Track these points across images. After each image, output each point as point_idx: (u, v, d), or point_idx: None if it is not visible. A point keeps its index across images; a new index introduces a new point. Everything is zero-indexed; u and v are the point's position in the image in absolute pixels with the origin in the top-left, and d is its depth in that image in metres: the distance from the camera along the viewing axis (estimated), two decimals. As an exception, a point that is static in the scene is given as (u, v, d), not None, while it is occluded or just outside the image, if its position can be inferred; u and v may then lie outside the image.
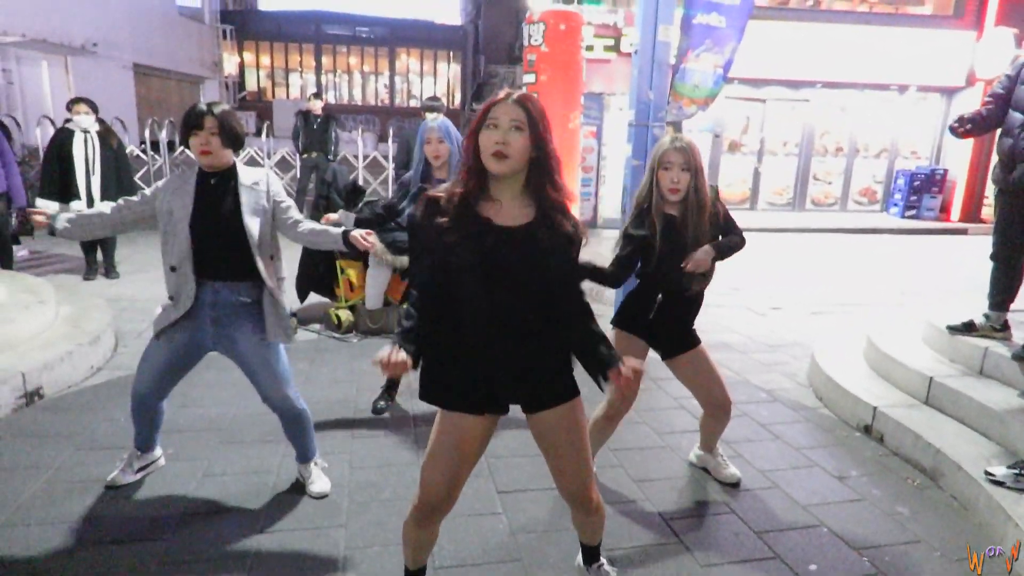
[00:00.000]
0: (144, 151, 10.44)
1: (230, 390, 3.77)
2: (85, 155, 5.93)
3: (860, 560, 2.49)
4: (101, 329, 4.30)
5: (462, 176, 1.78)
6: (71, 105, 6.00)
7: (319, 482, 2.83)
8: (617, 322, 2.82)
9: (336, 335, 4.91)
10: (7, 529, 2.49)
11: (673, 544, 2.56)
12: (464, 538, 2.55)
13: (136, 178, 7.84)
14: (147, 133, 10.53)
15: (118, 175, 6.14)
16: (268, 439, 3.24)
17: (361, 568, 2.36)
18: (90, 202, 5.99)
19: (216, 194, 2.48)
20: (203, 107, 2.44)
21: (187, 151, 11.14)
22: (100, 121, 6.09)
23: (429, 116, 3.72)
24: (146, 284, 6.18)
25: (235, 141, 2.49)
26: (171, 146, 10.74)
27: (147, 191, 2.59)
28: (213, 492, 2.80)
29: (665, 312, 2.71)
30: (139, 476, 2.86)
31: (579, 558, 2.32)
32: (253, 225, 2.49)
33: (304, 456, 2.84)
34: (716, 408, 2.87)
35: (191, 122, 2.42)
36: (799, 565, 2.45)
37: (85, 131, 5.92)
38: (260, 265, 2.51)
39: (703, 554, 2.49)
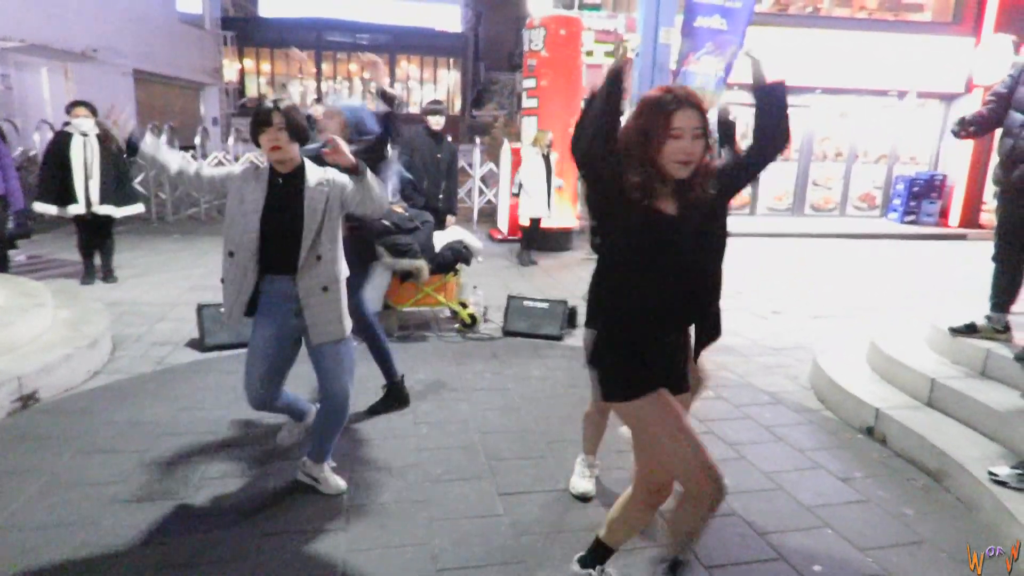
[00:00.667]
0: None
1: (230, 394, 3.75)
2: (84, 158, 5.92)
3: (865, 561, 2.47)
4: (99, 333, 4.29)
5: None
6: (70, 108, 6.00)
7: (332, 479, 2.84)
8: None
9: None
10: (3, 532, 2.47)
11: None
12: (467, 540, 2.53)
13: (136, 183, 7.84)
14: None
15: (118, 178, 6.14)
16: (265, 443, 3.22)
17: (365, 570, 2.34)
18: (88, 205, 5.98)
19: (285, 193, 2.57)
20: (270, 104, 2.52)
21: (186, 156, 11.12)
22: (100, 124, 6.09)
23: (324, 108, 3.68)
24: (146, 289, 6.17)
25: (301, 135, 2.57)
26: (171, 151, 10.71)
27: (223, 170, 2.68)
28: (212, 494, 2.78)
29: None
30: (299, 437, 3.19)
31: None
32: (311, 226, 2.55)
33: (320, 456, 2.83)
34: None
35: (260, 119, 2.50)
36: (804, 566, 2.43)
37: (84, 134, 5.92)
38: (302, 262, 2.56)
39: (707, 556, 2.47)
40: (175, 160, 2.71)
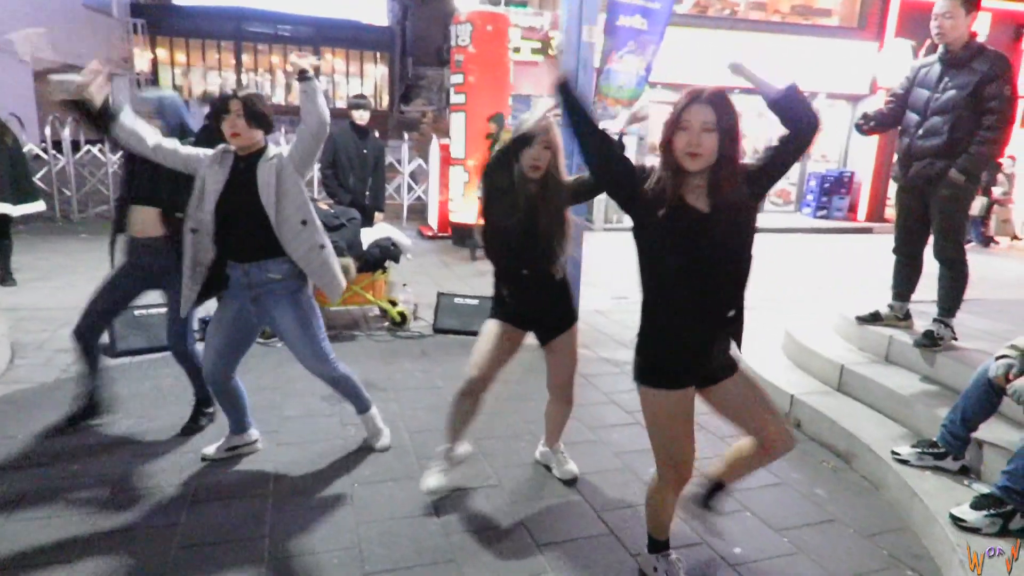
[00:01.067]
0: (45, 150, 9.77)
1: (142, 401, 3.56)
2: None
3: (781, 541, 2.59)
4: (41, 339, 3.98)
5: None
6: None
7: (384, 437, 3.23)
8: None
9: (260, 340, 4.71)
10: None
11: (605, 536, 2.58)
12: (396, 542, 2.49)
13: (36, 178, 7.33)
14: (48, 131, 9.84)
15: (13, 174, 5.72)
16: (180, 452, 3.08)
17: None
18: None
19: (243, 177, 2.64)
20: (228, 91, 2.63)
21: (92, 150, 10.51)
22: None
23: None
24: (49, 292, 5.78)
25: (262, 121, 2.65)
26: (75, 146, 10.08)
27: (193, 151, 2.71)
28: (123, 508, 2.63)
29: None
30: (228, 455, 3.03)
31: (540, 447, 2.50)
32: (269, 201, 2.61)
33: (362, 408, 3.19)
34: (561, 396, 2.92)
35: (218, 107, 2.59)
36: (725, 549, 2.52)
37: None
38: (285, 240, 2.66)
39: (635, 544, 2.53)
40: (152, 134, 2.71)
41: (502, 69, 8.92)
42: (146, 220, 3.02)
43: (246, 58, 25.51)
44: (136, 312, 4.39)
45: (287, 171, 2.67)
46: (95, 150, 10.62)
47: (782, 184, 13.68)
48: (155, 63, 23.84)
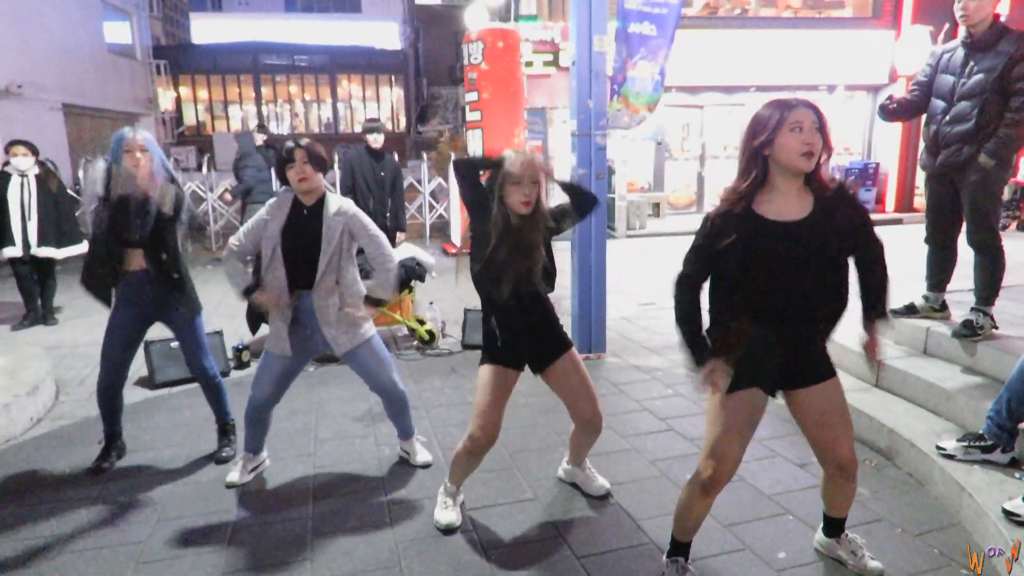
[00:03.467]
0: (78, 192, 10.08)
1: (181, 431, 3.64)
2: (21, 199, 5.69)
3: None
4: (40, 378, 4.10)
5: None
6: (9, 147, 5.76)
7: (422, 453, 3.28)
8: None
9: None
10: (-56, 597, 2.33)
11: (646, 546, 2.56)
12: (435, 559, 2.50)
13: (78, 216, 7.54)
14: (80, 173, 10.17)
15: (57, 220, 5.90)
16: (219, 480, 3.13)
17: (330, 601, 2.29)
18: (26, 247, 5.75)
19: (307, 220, 2.87)
20: (291, 143, 2.83)
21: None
22: (40, 164, 5.86)
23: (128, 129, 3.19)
24: (87, 328, 5.93)
25: (323, 165, 2.88)
26: (107, 185, 10.37)
27: (253, 218, 2.93)
28: (168, 536, 2.68)
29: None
30: (251, 476, 3.12)
31: (819, 534, 2.45)
32: (328, 250, 2.85)
33: (405, 434, 3.29)
34: (585, 424, 2.76)
35: (285, 159, 2.81)
36: (768, 554, 2.48)
37: (23, 174, 5.69)
38: (321, 282, 2.87)
39: (675, 552, 2.49)
40: (247, 272, 2.99)
41: (516, 84, 8.98)
42: (131, 257, 3.05)
43: (265, 90, 26.09)
44: (172, 344, 4.48)
45: (346, 237, 2.92)
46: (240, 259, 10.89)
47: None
48: (178, 101, 24.50)
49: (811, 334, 2.06)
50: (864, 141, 13.47)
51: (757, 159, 1.97)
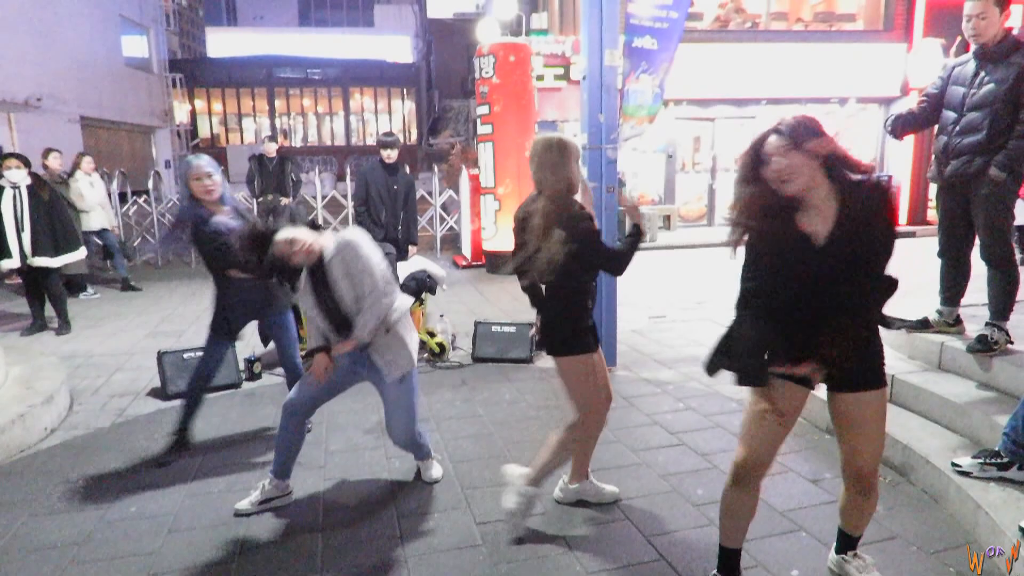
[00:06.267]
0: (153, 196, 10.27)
1: (193, 443, 3.66)
2: (14, 211, 5.82)
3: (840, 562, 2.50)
4: (54, 388, 4.14)
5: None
6: (1, 162, 5.87)
7: (435, 469, 3.27)
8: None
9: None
10: (-42, 606, 2.35)
11: (656, 562, 2.54)
12: (444, 573, 2.49)
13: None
14: (150, 184, 10.33)
15: (52, 228, 5.99)
16: (231, 493, 3.14)
17: (339, 614, 2.28)
18: (23, 258, 5.86)
19: (320, 276, 2.86)
20: (274, 238, 2.75)
21: (138, 201, 10.96)
22: (33, 175, 5.98)
23: (192, 156, 3.67)
24: (102, 339, 6.00)
25: (314, 228, 2.86)
26: (123, 197, 10.52)
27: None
28: (180, 548, 2.69)
29: None
30: (259, 510, 2.96)
31: (831, 551, 2.41)
32: (344, 295, 2.82)
33: (420, 455, 3.27)
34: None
35: (277, 262, 2.78)
36: (782, 571, 2.45)
37: (15, 186, 5.81)
38: (353, 321, 2.86)
39: (686, 569, 2.47)
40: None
41: (527, 97, 9.04)
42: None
43: (278, 103, 26.37)
44: (185, 355, 4.52)
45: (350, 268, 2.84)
46: (141, 201, 11.07)
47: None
48: (193, 114, 24.81)
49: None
50: (876, 153, 13.41)
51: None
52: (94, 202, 7.80)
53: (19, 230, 5.83)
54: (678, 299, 7.23)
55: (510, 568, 2.51)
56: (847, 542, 2.35)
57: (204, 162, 3.41)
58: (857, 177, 2.01)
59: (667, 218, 12.57)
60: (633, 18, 4.77)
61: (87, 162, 7.86)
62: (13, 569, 2.56)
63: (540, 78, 11.49)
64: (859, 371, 2.07)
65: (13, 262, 5.85)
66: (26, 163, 5.89)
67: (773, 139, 1.96)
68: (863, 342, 2.04)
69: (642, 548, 2.63)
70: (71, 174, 7.76)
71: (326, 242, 2.84)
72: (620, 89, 4.71)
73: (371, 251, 2.83)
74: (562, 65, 11.94)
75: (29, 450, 3.67)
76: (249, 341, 4.84)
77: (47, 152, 7.78)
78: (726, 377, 2.13)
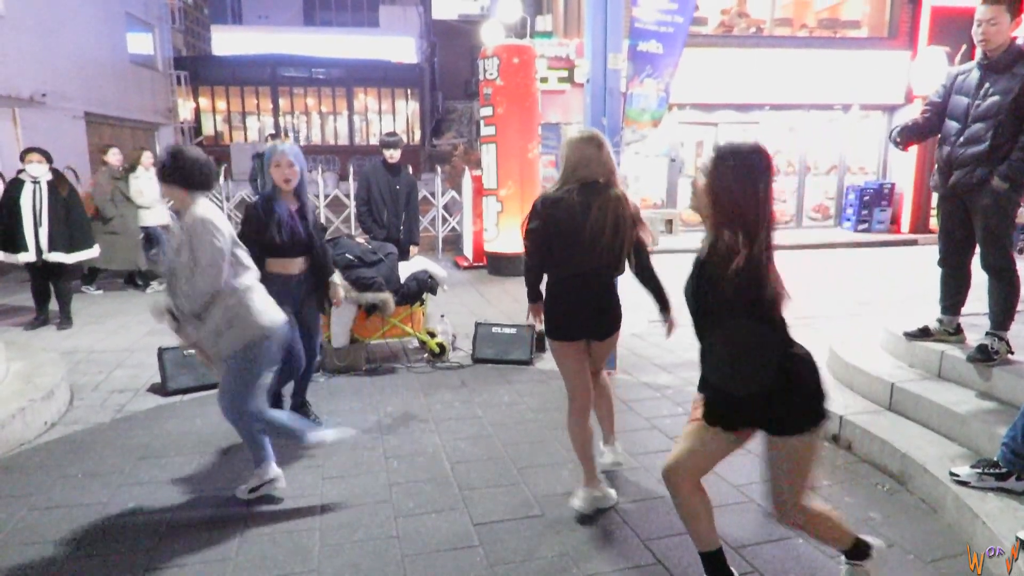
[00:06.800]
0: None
1: (192, 438, 3.66)
2: (33, 205, 5.82)
3: (837, 568, 2.49)
4: (55, 383, 4.15)
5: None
6: (24, 155, 5.91)
7: (255, 482, 3.04)
8: None
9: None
10: (-45, 600, 2.36)
11: (652, 566, 2.54)
12: (441, 574, 2.49)
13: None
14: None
15: (68, 225, 6.01)
16: (228, 489, 3.14)
17: (335, 613, 2.28)
18: (39, 253, 5.86)
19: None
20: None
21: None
22: (54, 171, 6.00)
23: (280, 143, 3.80)
24: (102, 335, 6.00)
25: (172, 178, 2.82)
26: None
27: None
28: (177, 544, 2.69)
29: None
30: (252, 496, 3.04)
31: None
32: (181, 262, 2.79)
33: (255, 460, 3.04)
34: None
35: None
36: (778, 577, 2.45)
37: (35, 180, 5.82)
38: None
39: (684, 573, 2.47)
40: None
41: (530, 100, 9.05)
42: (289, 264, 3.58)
43: (283, 102, 26.39)
44: (185, 352, 4.52)
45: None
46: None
47: (819, 199, 13.46)
48: (197, 111, 24.85)
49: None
50: (879, 161, 13.41)
51: None
52: (153, 198, 7.85)
53: (36, 224, 5.85)
54: (678, 303, 7.21)
55: (506, 570, 2.52)
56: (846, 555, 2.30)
57: (287, 149, 3.46)
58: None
59: (669, 222, 12.57)
60: (638, 22, 4.79)
61: (147, 157, 7.89)
62: (12, 562, 2.56)
63: (544, 80, 11.49)
64: (774, 415, 2.03)
65: (29, 256, 5.86)
66: (48, 157, 5.91)
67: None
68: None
69: (638, 551, 2.63)
70: (131, 169, 7.80)
71: (194, 207, 2.76)
72: (623, 93, 4.72)
73: (211, 234, 2.70)
74: (566, 68, 11.94)
75: (28, 444, 3.67)
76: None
77: (105, 148, 7.94)
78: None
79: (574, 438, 2.90)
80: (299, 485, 3.17)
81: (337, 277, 3.86)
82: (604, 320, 2.90)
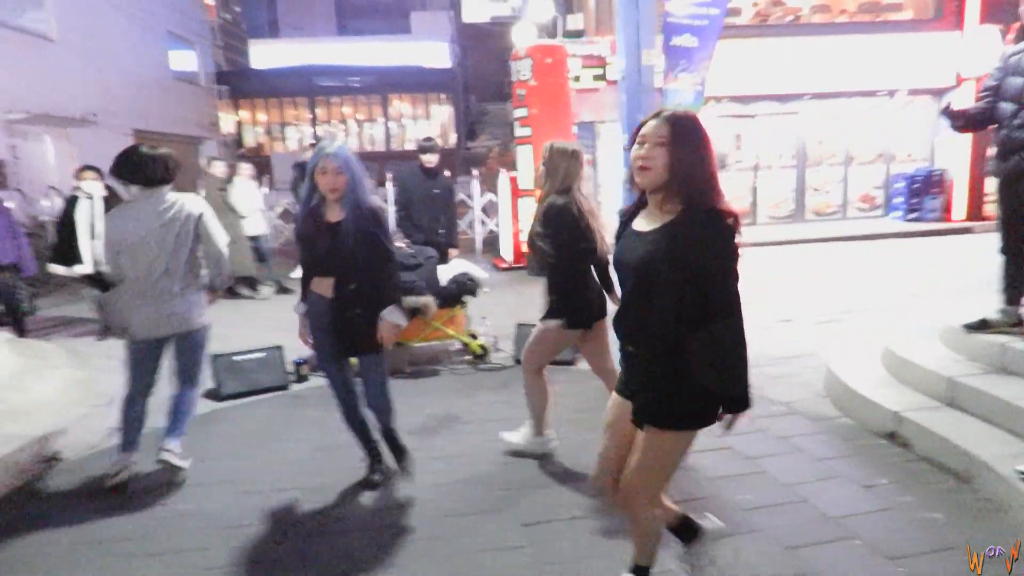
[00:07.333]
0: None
1: (245, 441, 3.75)
2: (89, 220, 6.09)
3: (897, 571, 2.42)
4: (115, 391, 4.29)
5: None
6: (79, 173, 6.21)
7: (173, 457, 3.29)
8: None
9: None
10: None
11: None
12: (488, 575, 2.50)
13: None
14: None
15: None
16: (281, 490, 3.20)
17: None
18: (95, 264, 6.10)
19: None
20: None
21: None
22: (108, 187, 6.25)
23: (326, 143, 3.04)
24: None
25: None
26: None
27: None
28: (234, 544, 2.75)
29: None
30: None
31: None
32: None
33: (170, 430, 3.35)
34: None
35: None
36: (835, 580, 2.38)
37: (90, 197, 6.09)
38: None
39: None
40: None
41: (564, 100, 9.02)
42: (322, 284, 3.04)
43: (320, 111, 26.87)
44: (235, 358, 4.64)
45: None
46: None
47: (866, 189, 13.07)
48: (239, 124, 25.51)
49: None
50: (928, 148, 12.94)
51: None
52: (253, 207, 8.15)
53: (92, 238, 6.12)
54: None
55: (553, 570, 2.50)
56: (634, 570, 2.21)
57: (336, 152, 2.86)
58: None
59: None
60: (671, 16, 4.72)
61: (246, 168, 8.21)
62: (81, 561, 2.67)
63: (577, 79, 11.44)
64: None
65: (86, 268, 6.14)
66: (101, 175, 6.20)
67: (652, 123, 1.90)
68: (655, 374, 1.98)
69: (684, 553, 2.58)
70: (230, 180, 8.17)
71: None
72: (658, 89, 4.66)
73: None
74: (599, 65, 11.87)
75: (94, 448, 3.81)
76: (295, 344, 4.94)
77: (209, 161, 8.39)
78: (769, 379, 2.08)
79: None
80: (343, 487, 3.21)
81: (394, 313, 3.03)
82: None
